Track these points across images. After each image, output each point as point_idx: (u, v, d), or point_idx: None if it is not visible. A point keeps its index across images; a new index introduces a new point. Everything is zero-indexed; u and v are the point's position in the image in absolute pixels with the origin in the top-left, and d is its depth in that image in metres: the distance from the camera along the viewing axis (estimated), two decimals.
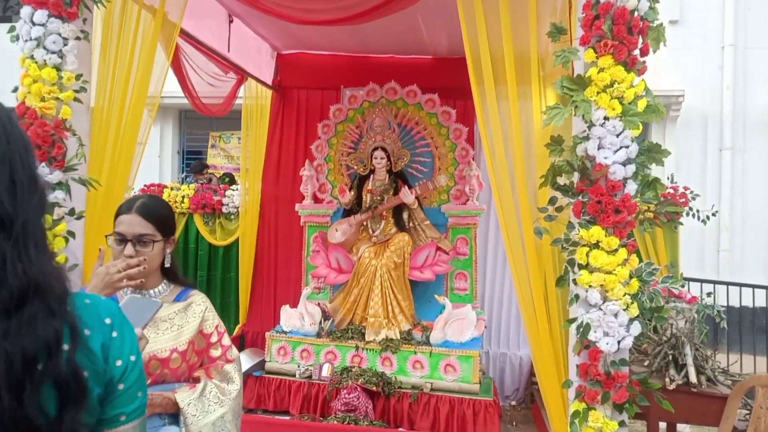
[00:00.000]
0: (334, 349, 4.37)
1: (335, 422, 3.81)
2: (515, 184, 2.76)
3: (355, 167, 4.98)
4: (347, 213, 4.91)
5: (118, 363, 0.88)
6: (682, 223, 4.69)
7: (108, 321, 0.89)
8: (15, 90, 2.86)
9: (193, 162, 8.39)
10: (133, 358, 0.90)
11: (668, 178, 4.91)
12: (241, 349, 5.13)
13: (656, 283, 2.44)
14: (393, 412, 4.04)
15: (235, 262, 5.60)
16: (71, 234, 2.79)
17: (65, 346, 0.78)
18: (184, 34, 3.80)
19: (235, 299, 5.61)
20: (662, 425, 3.67)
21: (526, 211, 2.70)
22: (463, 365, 4.08)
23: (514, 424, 4.72)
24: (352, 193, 4.85)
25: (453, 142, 4.89)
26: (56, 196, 2.79)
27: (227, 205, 5.75)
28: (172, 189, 5.87)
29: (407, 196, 4.60)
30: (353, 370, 4.18)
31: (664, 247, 4.68)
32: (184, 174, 8.95)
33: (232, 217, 5.77)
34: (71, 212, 2.81)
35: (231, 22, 4.27)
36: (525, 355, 5.18)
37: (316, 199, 5.18)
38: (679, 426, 4.56)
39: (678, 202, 4.60)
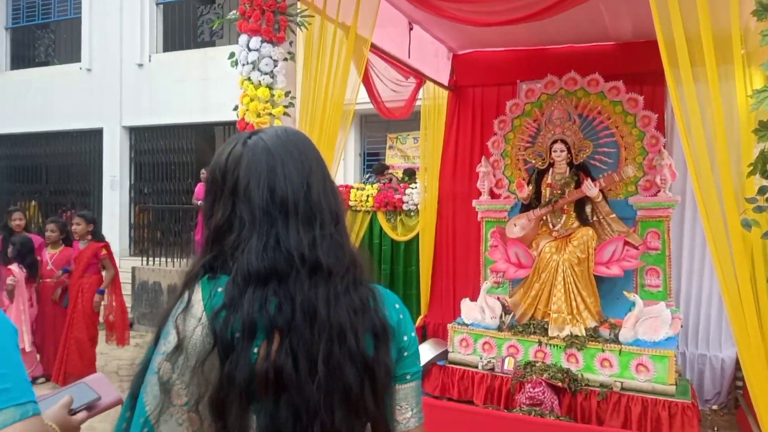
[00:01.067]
0: (516, 343, 4.40)
1: (521, 414, 3.85)
2: (717, 173, 2.58)
3: (533, 161, 4.94)
4: (525, 208, 4.88)
5: (405, 338, 1.11)
6: None
7: (397, 306, 1.13)
8: (235, 108, 3.31)
9: (374, 163, 8.87)
10: (413, 334, 1.14)
11: None
12: (423, 339, 5.36)
13: None
14: (580, 409, 3.97)
15: (416, 256, 5.85)
16: None
17: (372, 305, 1.04)
18: (371, 46, 4.08)
19: (416, 292, 5.86)
20: None
21: (731, 201, 2.52)
22: (656, 365, 3.89)
23: (715, 429, 4.38)
24: (531, 187, 4.82)
25: (641, 131, 4.64)
26: None
27: (407, 202, 6.03)
28: (357, 189, 6.30)
29: (590, 189, 4.47)
30: (537, 365, 4.17)
31: None
32: (367, 175, 9.48)
33: (412, 213, 6.03)
34: None
35: (411, 29, 4.49)
36: (728, 357, 4.77)
37: (493, 195, 5.22)
38: None
39: None
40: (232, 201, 1.02)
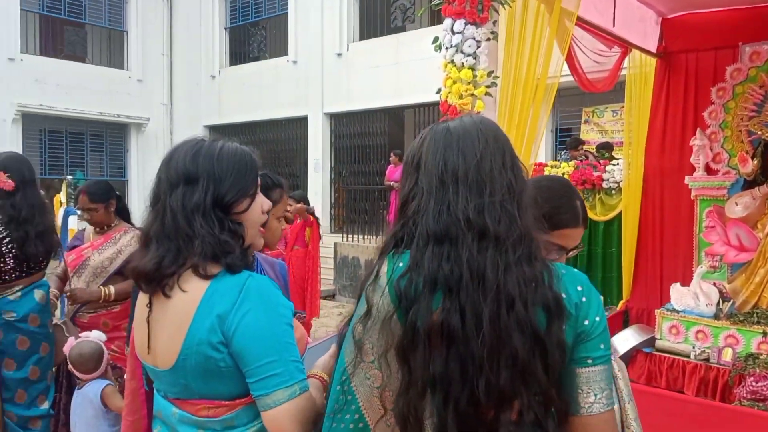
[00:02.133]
0: (735, 332, 4.02)
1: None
2: None
3: (759, 132, 4.42)
4: (749, 184, 4.41)
5: (586, 322, 1.10)
6: None
7: (580, 288, 1.12)
8: (438, 91, 3.41)
9: (567, 140, 8.54)
10: (597, 318, 1.11)
11: None
12: (625, 324, 5.10)
13: None
14: None
15: (617, 237, 5.55)
16: None
17: (547, 281, 1.07)
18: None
19: (617, 274, 5.57)
20: None
21: None
22: None
23: None
24: (756, 161, 4.34)
25: None
26: None
27: (607, 180, 5.73)
28: (552, 167, 6.13)
29: None
30: (761, 357, 3.79)
31: None
32: (563, 151, 9.15)
33: (613, 192, 5.72)
34: None
35: None
36: None
37: (710, 171, 4.76)
38: None
39: None
40: (416, 175, 1.14)
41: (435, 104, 10.87)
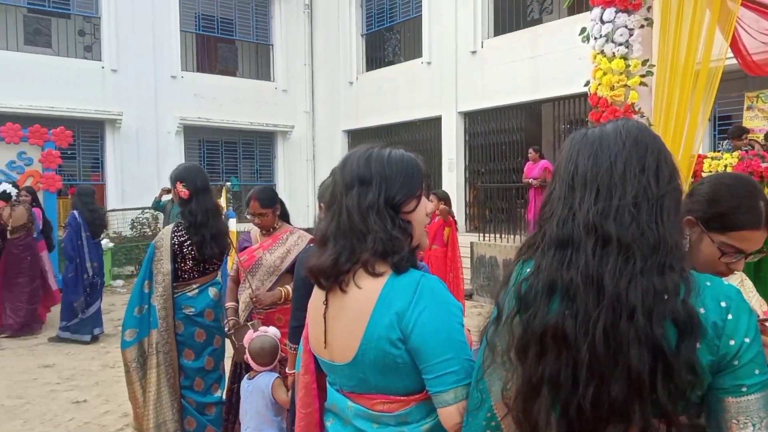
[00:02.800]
0: None
1: None
2: None
3: None
4: None
5: (732, 342, 1.00)
6: None
7: (724, 304, 1.02)
8: (587, 84, 3.28)
9: (727, 128, 7.81)
10: (747, 339, 1.00)
11: None
12: None
13: None
14: None
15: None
16: None
17: (682, 294, 0.99)
18: None
19: None
20: None
21: None
22: None
23: None
24: None
25: None
26: None
27: None
28: (712, 158, 5.64)
29: None
30: None
31: None
32: (724, 141, 8.38)
33: None
34: None
35: None
36: None
37: None
38: None
39: None
40: (553, 182, 1.15)
41: (574, 97, 10.48)
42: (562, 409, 1.02)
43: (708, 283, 1.04)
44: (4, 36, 13.43)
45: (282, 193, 15.92)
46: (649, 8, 3.01)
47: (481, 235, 10.71)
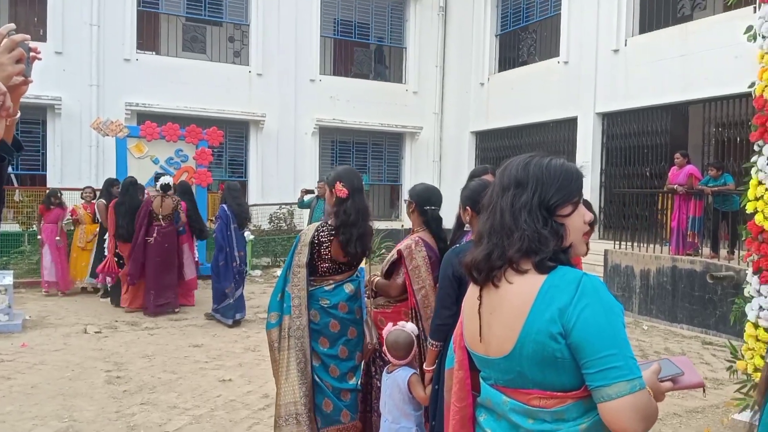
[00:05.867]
0: None
1: None
2: None
3: None
4: None
5: None
6: None
7: None
8: (752, 85, 3.03)
9: None
10: None
11: None
12: None
13: None
14: None
15: None
16: None
17: None
18: None
19: None
20: None
21: None
22: None
23: None
24: None
25: None
26: None
27: None
28: None
29: None
30: None
31: None
32: None
33: None
34: None
35: None
36: None
37: None
38: None
39: None
40: None
41: (729, 98, 9.76)
42: None
43: None
44: (166, 43, 14.85)
45: (406, 194, 16.29)
46: None
47: (617, 242, 10.19)
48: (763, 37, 2.91)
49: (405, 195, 16.01)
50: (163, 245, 8.00)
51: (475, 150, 15.74)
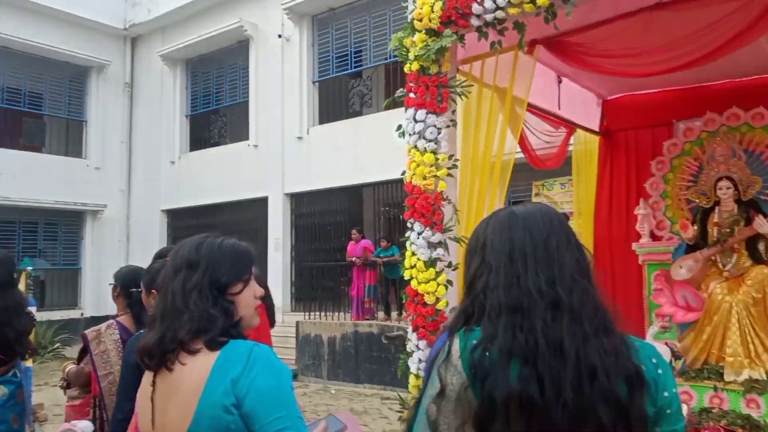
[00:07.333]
0: (689, 389, 4.22)
1: None
2: None
3: (697, 200, 4.81)
4: (691, 249, 4.74)
5: (666, 394, 1.15)
6: None
7: (654, 360, 1.17)
8: (403, 173, 3.67)
9: None
10: (674, 390, 1.17)
11: None
12: None
13: None
14: None
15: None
16: (450, 282, 3.41)
17: (625, 352, 1.10)
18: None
19: None
20: None
21: None
22: None
23: None
24: (696, 227, 4.69)
25: None
26: (438, 253, 3.43)
27: None
28: None
29: (763, 225, 4.27)
30: (713, 411, 4.00)
31: None
32: None
33: None
34: (449, 265, 3.43)
35: (560, 82, 4.67)
36: None
37: (655, 237, 5.11)
38: None
39: None
40: (482, 254, 1.21)
41: (392, 182, 11.22)
42: None
43: (638, 344, 1.17)
44: None
45: (89, 277, 14.72)
46: (454, 111, 3.50)
47: (307, 313, 10.79)
48: (410, 134, 3.55)
49: (86, 279, 14.57)
50: None
51: (167, 228, 15.15)
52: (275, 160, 12.94)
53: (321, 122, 12.79)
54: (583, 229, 5.60)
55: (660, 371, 1.15)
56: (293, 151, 12.73)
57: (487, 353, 1.09)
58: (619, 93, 5.48)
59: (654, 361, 1.16)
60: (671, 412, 1.14)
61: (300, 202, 13.02)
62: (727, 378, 4.12)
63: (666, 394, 1.14)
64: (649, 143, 5.38)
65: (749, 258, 4.42)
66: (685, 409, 4.13)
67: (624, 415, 1.06)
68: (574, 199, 5.83)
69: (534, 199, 9.90)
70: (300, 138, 12.68)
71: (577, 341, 1.07)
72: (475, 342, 1.12)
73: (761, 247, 4.41)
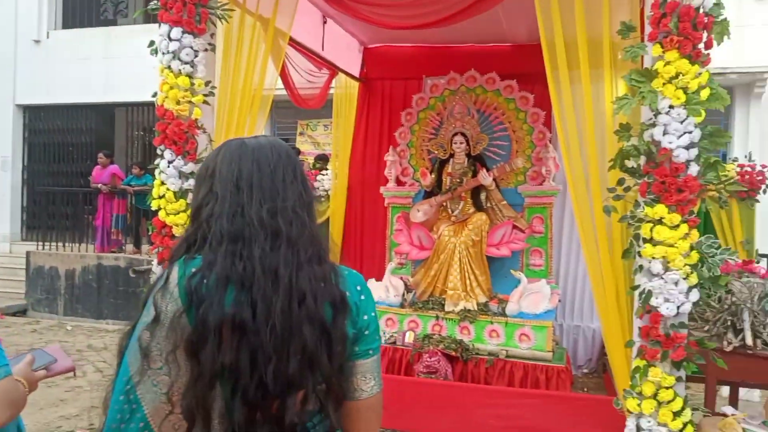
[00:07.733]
0: (416, 318, 4.79)
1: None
2: (587, 166, 2.99)
3: (436, 152, 5.34)
4: (428, 195, 5.28)
5: (365, 317, 1.24)
6: (758, 201, 4.76)
7: (358, 287, 1.26)
8: (155, 95, 3.41)
9: None
10: (373, 314, 1.27)
11: (745, 157, 4.98)
12: None
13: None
14: (470, 375, 4.41)
15: (325, 240, 6.11)
16: None
17: (334, 280, 1.21)
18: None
19: None
20: (726, 393, 3.87)
21: (597, 191, 2.93)
22: (537, 335, 4.41)
23: (585, 389, 5.00)
24: (433, 176, 5.22)
25: (530, 126, 5.15)
26: (189, 183, 3.30)
27: (318, 188, 6.27)
28: None
29: (485, 178, 4.92)
30: (434, 337, 4.60)
31: (739, 224, 4.79)
32: None
33: (322, 199, 6.29)
34: None
35: (325, 22, 4.72)
36: (597, 328, 5.41)
37: (399, 182, 5.58)
38: (754, 393, 4.71)
39: (754, 180, 4.68)
40: (210, 182, 1.22)
41: (150, 104, 10.43)
42: (241, 392, 1.08)
43: (345, 272, 1.25)
44: None
45: None
46: (213, 35, 3.33)
47: (41, 243, 9.64)
48: (163, 53, 3.29)
49: None
50: None
51: None
52: (6, 66, 11.00)
53: (65, 26, 11.17)
54: (339, 170, 5.87)
55: (362, 297, 1.25)
56: (28, 57, 10.95)
57: (204, 280, 1.11)
58: (379, 42, 5.75)
59: (358, 288, 1.26)
60: (369, 333, 1.25)
61: (36, 116, 11.34)
62: (447, 308, 4.74)
63: (365, 317, 1.24)
64: (401, 95, 5.79)
65: (473, 206, 5.08)
66: (412, 335, 4.67)
67: (327, 335, 1.15)
68: (333, 142, 6.04)
69: (298, 138, 10.04)
70: (38, 41, 10.93)
71: (291, 268, 1.15)
72: (194, 270, 1.13)
73: (482, 196, 5.09)
